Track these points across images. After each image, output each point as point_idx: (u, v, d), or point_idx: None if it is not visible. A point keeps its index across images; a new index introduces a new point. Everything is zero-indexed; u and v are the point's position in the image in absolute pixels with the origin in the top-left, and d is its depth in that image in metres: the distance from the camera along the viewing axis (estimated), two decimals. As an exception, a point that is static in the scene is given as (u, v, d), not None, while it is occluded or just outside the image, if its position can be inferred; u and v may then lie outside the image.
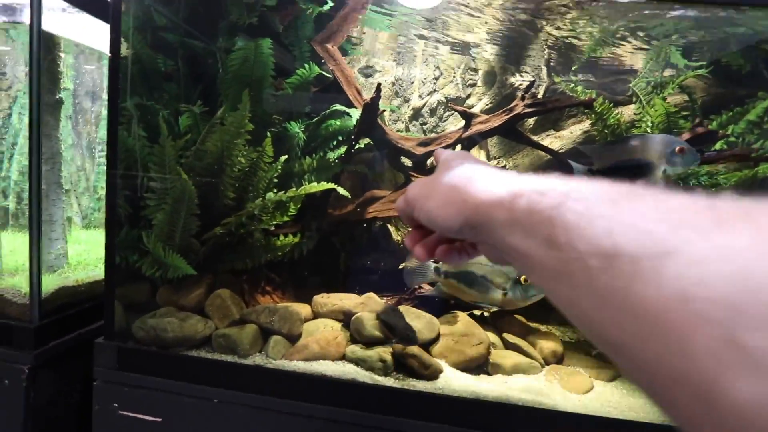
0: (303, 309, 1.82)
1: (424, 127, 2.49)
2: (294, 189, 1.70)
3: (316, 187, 1.70)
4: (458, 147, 2.01)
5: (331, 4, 1.89)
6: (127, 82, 1.64)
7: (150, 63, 1.98)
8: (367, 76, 2.50)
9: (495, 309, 1.80)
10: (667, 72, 2.13)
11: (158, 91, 2.00)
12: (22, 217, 2.41)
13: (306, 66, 1.96)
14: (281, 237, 1.91)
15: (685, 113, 1.92)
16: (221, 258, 1.87)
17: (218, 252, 1.87)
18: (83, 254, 2.26)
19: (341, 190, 1.76)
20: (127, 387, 1.63)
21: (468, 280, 1.67)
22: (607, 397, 1.61)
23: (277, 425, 1.54)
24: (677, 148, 1.33)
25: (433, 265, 1.84)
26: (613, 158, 1.47)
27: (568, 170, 1.82)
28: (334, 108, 1.99)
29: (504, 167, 2.40)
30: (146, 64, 1.97)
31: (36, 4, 1.62)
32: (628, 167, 1.42)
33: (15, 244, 2.14)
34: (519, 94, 1.85)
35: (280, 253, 1.93)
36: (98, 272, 2.14)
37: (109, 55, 1.55)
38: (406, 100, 2.47)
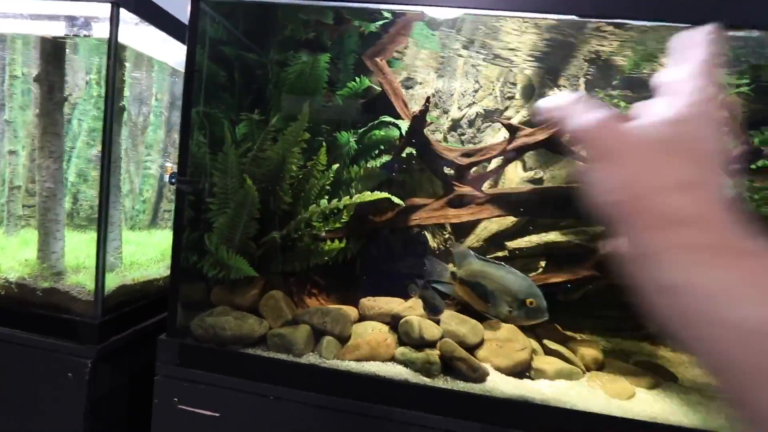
0: (351, 311, 1.90)
1: (462, 138, 2.57)
2: (348, 197, 1.78)
3: (370, 196, 1.78)
4: (499, 159, 2.08)
5: (380, 22, 1.98)
6: (201, 92, 1.75)
7: (211, 74, 2.09)
8: (408, 87, 2.60)
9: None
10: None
11: (217, 101, 2.11)
12: (77, 216, 2.54)
13: (357, 79, 2.05)
14: (329, 242, 2.00)
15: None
16: (273, 260, 1.96)
17: (271, 255, 1.95)
18: (135, 254, 2.37)
19: (395, 199, 1.84)
20: (187, 382, 1.71)
21: (479, 291, 1.70)
22: (650, 403, 1.65)
23: (330, 422, 1.61)
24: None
25: (451, 269, 1.87)
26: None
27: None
28: (383, 119, 2.07)
29: (541, 179, 2.46)
30: (208, 76, 2.09)
31: (115, 18, 1.74)
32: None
33: (73, 243, 2.26)
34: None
35: (327, 258, 2.02)
36: (151, 272, 2.25)
37: (185, 68, 1.66)
38: (445, 112, 2.55)
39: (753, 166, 1.82)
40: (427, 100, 1.93)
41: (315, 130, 2.08)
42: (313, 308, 1.81)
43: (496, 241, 2.53)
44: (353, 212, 2.00)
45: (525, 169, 2.53)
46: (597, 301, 2.49)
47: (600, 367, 1.88)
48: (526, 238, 2.49)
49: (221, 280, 1.89)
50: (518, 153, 2.05)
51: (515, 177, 2.51)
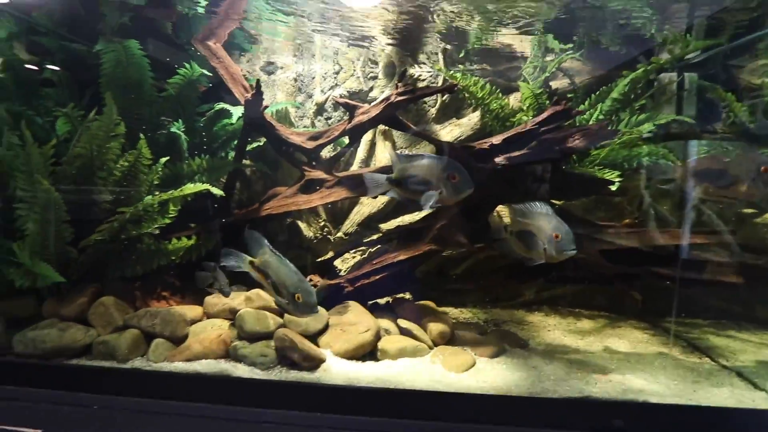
0: (192, 311, 1.82)
1: (329, 121, 2.51)
2: (170, 192, 1.69)
3: (190, 188, 1.69)
4: (345, 138, 2.04)
5: (204, 3, 1.87)
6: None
7: (24, 69, 1.93)
8: (269, 73, 2.50)
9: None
10: (550, 57, 2.20)
11: (36, 98, 1.95)
12: None
13: (187, 65, 1.94)
14: (174, 241, 1.90)
15: (546, 94, 1.99)
16: (109, 266, 1.85)
17: (105, 260, 1.84)
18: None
19: (215, 190, 1.76)
20: (6, 400, 1.60)
21: (269, 280, 1.61)
22: (484, 374, 1.66)
23: (156, 427, 1.54)
24: (449, 174, 1.45)
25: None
26: (406, 171, 1.54)
27: (450, 155, 1.86)
28: (218, 107, 1.98)
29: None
30: (20, 71, 1.92)
31: None
32: (415, 182, 1.51)
33: None
34: (395, 82, 1.88)
35: (174, 258, 1.92)
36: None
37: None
38: (309, 96, 2.48)
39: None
40: (258, 83, 1.84)
41: (151, 122, 1.97)
42: (142, 311, 1.72)
43: (369, 224, 2.50)
44: (197, 207, 1.90)
45: (395, 148, 2.50)
46: (480, 273, 2.52)
47: (449, 340, 1.89)
48: (398, 219, 2.47)
49: (47, 290, 1.77)
50: (360, 131, 2.01)
51: (384, 158, 2.48)
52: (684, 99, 2.10)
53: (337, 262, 2.51)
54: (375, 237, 2.36)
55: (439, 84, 2.41)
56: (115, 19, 1.84)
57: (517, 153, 1.70)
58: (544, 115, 1.66)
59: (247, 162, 2.33)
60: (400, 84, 1.80)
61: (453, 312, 2.46)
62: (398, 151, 2.02)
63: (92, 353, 1.65)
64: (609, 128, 1.92)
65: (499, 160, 1.72)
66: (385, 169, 1.91)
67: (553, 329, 2.24)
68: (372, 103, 1.90)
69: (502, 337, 1.97)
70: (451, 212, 1.83)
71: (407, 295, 2.45)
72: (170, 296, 1.98)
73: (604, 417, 1.46)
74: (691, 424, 1.46)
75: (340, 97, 2.44)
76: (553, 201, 2.00)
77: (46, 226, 1.64)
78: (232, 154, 2.20)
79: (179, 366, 1.60)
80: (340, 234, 2.48)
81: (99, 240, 1.71)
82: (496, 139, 1.72)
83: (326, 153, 2.22)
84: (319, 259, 2.40)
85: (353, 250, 2.47)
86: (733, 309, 2.37)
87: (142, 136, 1.73)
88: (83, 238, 1.73)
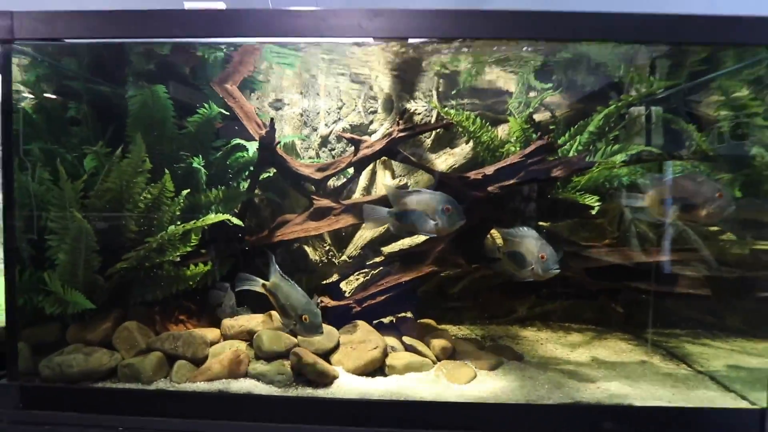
0: (210, 333, 1.94)
1: (333, 153, 2.70)
2: (193, 222, 1.84)
3: (211, 218, 1.84)
4: (351, 170, 2.22)
5: (225, 49, 2.06)
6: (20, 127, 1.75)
7: (54, 110, 2.08)
8: (277, 109, 2.69)
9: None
10: (534, 94, 2.45)
11: (65, 135, 2.10)
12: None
13: (206, 105, 2.12)
14: (191, 267, 2.03)
15: (532, 129, 2.23)
16: (130, 291, 1.97)
17: (128, 286, 1.96)
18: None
19: (234, 220, 1.91)
20: (32, 425, 1.68)
21: (278, 303, 1.72)
22: (485, 385, 1.81)
23: (181, 444, 1.63)
24: (444, 208, 1.65)
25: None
26: (405, 205, 1.74)
27: (447, 184, 2.06)
28: (234, 142, 2.15)
29: (406, 185, 2.63)
30: (51, 111, 2.08)
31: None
32: (414, 215, 1.71)
33: None
34: (397, 119, 2.09)
35: (191, 283, 2.04)
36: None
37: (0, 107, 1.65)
38: (314, 129, 2.67)
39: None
40: (272, 121, 2.03)
41: (172, 157, 2.12)
42: (165, 334, 1.83)
43: (372, 247, 2.67)
44: (212, 235, 2.05)
45: (393, 176, 2.70)
46: (476, 292, 2.69)
47: (451, 354, 2.03)
48: (399, 243, 2.65)
49: (77, 317, 1.86)
50: (365, 163, 2.20)
51: (384, 186, 2.67)
52: (651, 130, 2.36)
53: (342, 285, 2.66)
54: (378, 260, 2.53)
55: (434, 116, 2.63)
56: (142, 65, 2.02)
57: (508, 182, 1.91)
58: (531, 148, 1.89)
59: (257, 192, 2.50)
60: (401, 121, 2.01)
61: (451, 329, 2.61)
62: (396, 186, 2.21)
63: (117, 376, 1.75)
64: (587, 158, 2.16)
65: (492, 188, 1.92)
66: (382, 200, 2.08)
67: (546, 343, 2.41)
68: (374, 137, 2.10)
69: (499, 351, 2.13)
70: (450, 236, 2.01)
71: (408, 314, 2.60)
72: (187, 319, 2.10)
73: (594, 420, 1.63)
74: (670, 423, 1.63)
75: (343, 131, 2.65)
76: (541, 223, 2.21)
77: (77, 255, 1.76)
78: (243, 184, 2.36)
79: (201, 386, 1.71)
80: (344, 257, 2.63)
81: (125, 267, 1.84)
82: (489, 170, 1.93)
83: (330, 183, 2.40)
84: (325, 282, 2.55)
85: (356, 273, 2.63)
86: (706, 319, 2.58)
87: (167, 171, 1.89)
88: (110, 266, 1.85)
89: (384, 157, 2.62)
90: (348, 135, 2.11)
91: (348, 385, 1.75)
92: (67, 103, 2.13)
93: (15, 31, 1.63)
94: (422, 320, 2.50)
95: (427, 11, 1.55)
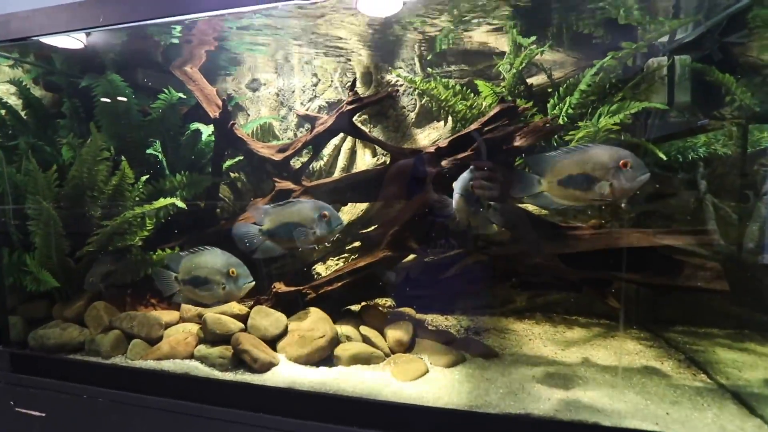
0: (169, 315, 2.00)
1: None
2: (144, 206, 1.88)
3: (162, 202, 1.87)
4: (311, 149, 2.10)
5: (178, 35, 2.03)
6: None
7: (39, 106, 2.25)
8: (254, 90, 2.65)
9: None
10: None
11: (52, 129, 2.27)
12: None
13: (166, 90, 2.14)
14: (158, 251, 2.10)
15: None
16: (102, 275, 2.10)
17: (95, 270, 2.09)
18: None
19: (178, 203, 1.92)
20: (21, 387, 1.90)
21: (197, 283, 1.64)
22: (432, 384, 1.63)
23: (129, 417, 1.73)
24: (321, 215, 1.52)
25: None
26: (275, 222, 1.61)
27: (399, 159, 1.86)
28: (193, 126, 2.15)
29: (384, 163, 2.44)
30: (36, 107, 2.25)
31: None
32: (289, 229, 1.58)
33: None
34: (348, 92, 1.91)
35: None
36: None
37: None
38: (290, 109, 2.58)
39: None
40: (224, 101, 1.98)
41: (133, 144, 2.19)
42: (123, 314, 1.93)
43: (351, 231, 2.54)
44: (181, 220, 2.09)
45: (374, 155, 2.52)
46: (468, 279, 2.46)
47: (409, 347, 1.87)
48: (374, 226, 2.49)
49: (59, 295, 2.05)
50: (324, 141, 2.06)
51: (364, 165, 2.50)
52: (676, 85, 1.88)
53: (321, 269, 2.60)
54: (351, 246, 2.41)
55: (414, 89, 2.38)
56: (107, 55, 2.07)
57: (462, 155, 1.65)
58: (490, 113, 1.59)
59: (234, 175, 2.50)
60: (350, 93, 1.84)
61: (437, 319, 2.42)
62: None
63: (85, 350, 1.90)
64: (585, 122, 1.79)
65: (445, 162, 1.68)
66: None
67: (536, 338, 2.12)
68: (329, 114, 1.95)
69: (467, 346, 1.91)
70: (404, 218, 1.82)
71: (388, 302, 2.47)
72: (158, 303, 2.19)
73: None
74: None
75: (318, 108, 2.52)
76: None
77: (48, 239, 1.91)
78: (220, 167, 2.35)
79: (151, 364, 1.78)
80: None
81: (90, 251, 1.95)
82: (442, 143, 1.69)
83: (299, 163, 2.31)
84: (306, 267, 2.51)
85: (337, 257, 2.54)
86: (756, 317, 2.07)
87: (123, 158, 1.95)
88: (79, 250, 1.99)
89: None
90: (302, 113, 1.99)
91: (284, 373, 1.70)
92: (53, 98, 2.27)
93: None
94: (401, 309, 2.35)
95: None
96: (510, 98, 1.97)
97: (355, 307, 2.22)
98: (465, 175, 1.43)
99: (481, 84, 1.91)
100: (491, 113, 1.60)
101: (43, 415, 1.85)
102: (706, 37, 1.80)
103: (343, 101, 2.50)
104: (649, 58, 1.96)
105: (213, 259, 1.65)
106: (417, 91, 1.99)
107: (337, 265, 2.54)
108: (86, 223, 2.02)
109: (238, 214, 2.49)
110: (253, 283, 1.64)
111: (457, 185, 1.47)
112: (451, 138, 1.67)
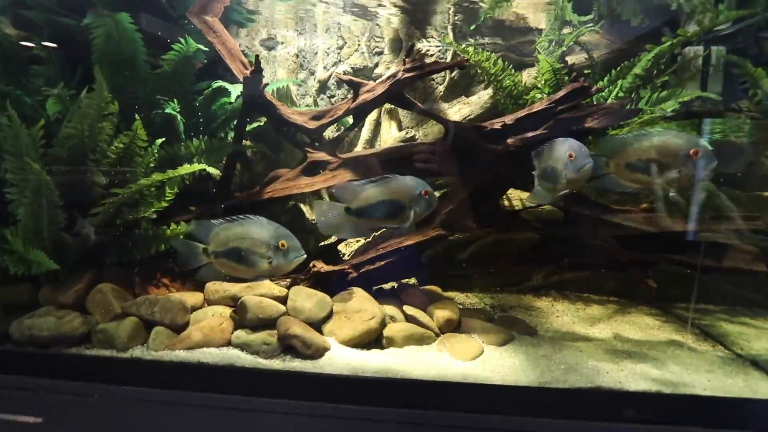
0: (192, 297, 1.77)
1: (332, 100, 2.40)
2: (167, 172, 1.62)
3: (187, 168, 1.62)
4: (350, 118, 1.94)
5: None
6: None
7: (10, 46, 1.83)
8: (270, 48, 2.38)
9: None
10: (567, 30, 2.06)
11: (25, 76, 1.86)
12: None
13: (182, 40, 1.83)
14: (172, 225, 1.84)
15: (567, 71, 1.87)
16: (106, 251, 1.80)
17: (102, 245, 1.78)
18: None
19: (212, 170, 1.68)
20: (5, 390, 1.58)
21: (235, 256, 1.49)
22: (493, 363, 1.62)
23: (157, 417, 1.51)
24: (422, 191, 1.42)
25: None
26: (365, 200, 1.48)
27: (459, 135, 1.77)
28: (216, 84, 1.88)
29: (413, 137, 2.34)
30: (6, 48, 1.82)
31: None
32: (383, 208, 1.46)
33: None
34: (404, 58, 1.77)
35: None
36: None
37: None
38: (312, 73, 2.36)
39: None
40: (257, 59, 1.74)
41: (147, 101, 1.87)
42: (141, 299, 1.67)
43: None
44: (195, 190, 1.83)
45: (400, 128, 2.40)
46: (486, 257, 2.46)
47: (456, 327, 1.84)
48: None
49: (44, 277, 1.71)
50: (365, 110, 1.90)
51: (389, 138, 2.38)
52: (710, 75, 1.98)
53: (341, 247, 2.46)
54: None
55: (448, 58, 2.28)
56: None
57: (531, 133, 1.60)
58: (562, 92, 1.56)
59: (247, 143, 2.25)
60: (407, 59, 1.69)
61: (459, 297, 2.41)
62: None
63: (91, 341, 1.62)
64: (630, 107, 1.82)
65: (512, 141, 1.62)
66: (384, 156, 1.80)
67: (562, 315, 2.19)
68: (377, 81, 1.80)
69: (510, 324, 1.92)
70: (459, 196, 1.75)
71: (412, 280, 2.40)
72: (170, 282, 1.93)
73: (615, 407, 1.42)
74: (705, 415, 1.42)
75: (344, 73, 2.33)
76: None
77: (39, 211, 1.57)
78: (231, 134, 2.11)
79: (180, 355, 1.56)
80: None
81: (95, 225, 1.65)
82: (509, 119, 1.62)
83: (330, 133, 2.13)
84: (322, 244, 2.35)
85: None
86: (746, 295, 2.31)
87: (137, 116, 1.65)
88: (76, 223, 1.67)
89: (390, 106, 2.32)
90: (346, 77, 1.81)
91: (340, 358, 1.58)
92: (26, 38, 1.86)
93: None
94: (427, 287, 2.30)
95: None
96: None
97: (386, 286, 2.14)
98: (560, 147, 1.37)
99: (542, 59, 1.86)
100: (564, 91, 1.56)
101: (40, 420, 1.57)
102: (743, 31, 1.90)
103: (368, 67, 2.34)
104: (685, 47, 2.04)
105: (259, 229, 1.46)
106: (469, 61, 1.89)
107: (358, 243, 2.41)
108: (84, 192, 1.70)
109: (248, 186, 2.26)
110: (305, 256, 1.49)
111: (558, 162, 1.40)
112: (519, 115, 1.61)
